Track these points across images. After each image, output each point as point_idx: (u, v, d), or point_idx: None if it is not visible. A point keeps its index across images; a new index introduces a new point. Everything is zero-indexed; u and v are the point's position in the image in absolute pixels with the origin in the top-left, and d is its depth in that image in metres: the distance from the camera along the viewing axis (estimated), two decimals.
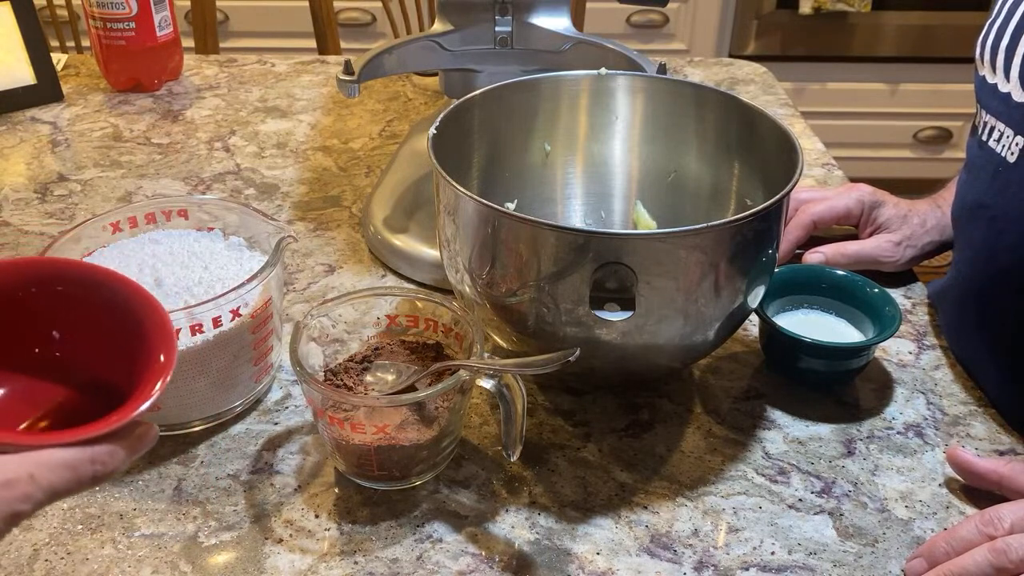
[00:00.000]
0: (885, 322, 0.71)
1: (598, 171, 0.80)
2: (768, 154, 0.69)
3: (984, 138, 0.70)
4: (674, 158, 0.77)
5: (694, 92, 0.76)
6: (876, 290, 0.73)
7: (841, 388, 0.72)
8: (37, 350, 0.43)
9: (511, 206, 0.74)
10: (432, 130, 0.66)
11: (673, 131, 0.77)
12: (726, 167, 0.74)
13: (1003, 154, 0.67)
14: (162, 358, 0.42)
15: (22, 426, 0.42)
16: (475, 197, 0.60)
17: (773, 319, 0.71)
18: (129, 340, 0.43)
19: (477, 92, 0.73)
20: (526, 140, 0.78)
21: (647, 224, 0.78)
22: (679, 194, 0.77)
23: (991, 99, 0.70)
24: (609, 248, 0.57)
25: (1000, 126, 0.68)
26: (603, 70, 0.76)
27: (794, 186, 0.61)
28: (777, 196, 0.60)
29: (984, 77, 0.71)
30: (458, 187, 0.61)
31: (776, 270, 0.69)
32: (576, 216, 0.80)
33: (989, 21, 0.72)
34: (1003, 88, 0.67)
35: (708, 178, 0.76)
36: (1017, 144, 0.66)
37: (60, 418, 0.42)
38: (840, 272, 0.76)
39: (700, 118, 0.75)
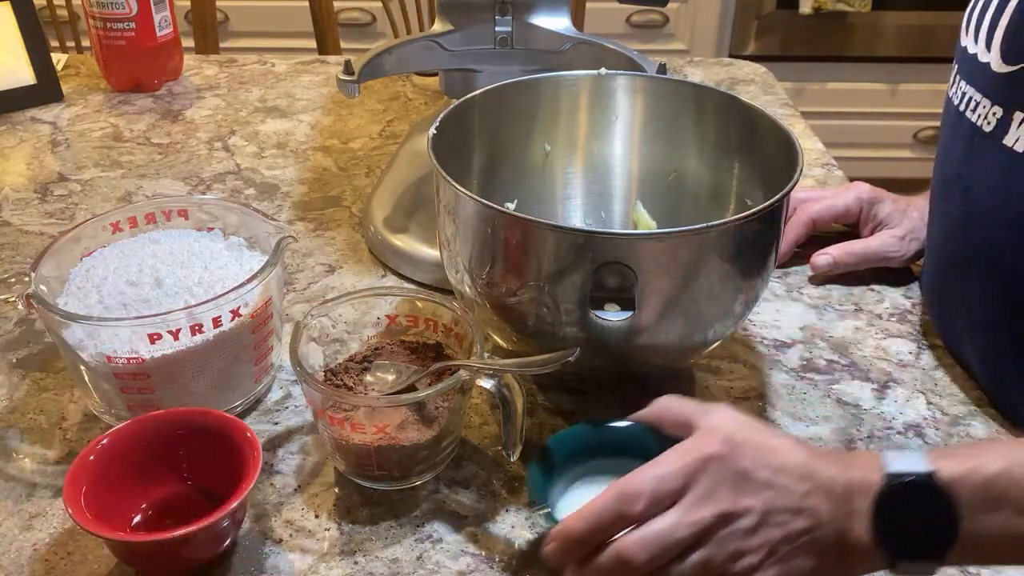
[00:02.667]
0: None
1: (598, 171, 0.80)
2: (768, 154, 0.69)
3: (961, 108, 0.70)
4: (674, 158, 0.77)
5: (694, 92, 0.76)
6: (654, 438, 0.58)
7: None
8: (172, 469, 0.60)
9: (511, 206, 0.74)
10: (432, 130, 0.66)
11: (673, 131, 0.76)
12: (726, 167, 0.74)
13: (979, 123, 0.68)
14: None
15: (135, 519, 0.59)
16: (475, 197, 0.60)
17: (556, 503, 0.58)
18: (230, 460, 0.58)
19: (477, 92, 0.73)
20: (526, 140, 0.78)
21: (647, 224, 0.78)
22: (679, 194, 0.77)
23: (971, 69, 0.70)
24: (609, 248, 0.57)
25: (977, 96, 0.68)
26: (603, 70, 0.76)
27: (794, 186, 0.61)
28: (777, 196, 0.60)
29: (966, 47, 0.70)
30: (458, 187, 0.61)
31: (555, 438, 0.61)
32: (576, 216, 0.80)
33: None
34: (983, 58, 0.67)
35: (708, 178, 0.76)
36: (994, 114, 0.66)
37: (181, 514, 0.57)
38: (620, 425, 0.61)
39: (700, 118, 0.75)
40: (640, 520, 0.49)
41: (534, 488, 0.58)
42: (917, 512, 0.48)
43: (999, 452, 0.50)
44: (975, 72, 0.69)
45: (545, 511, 0.57)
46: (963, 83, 0.70)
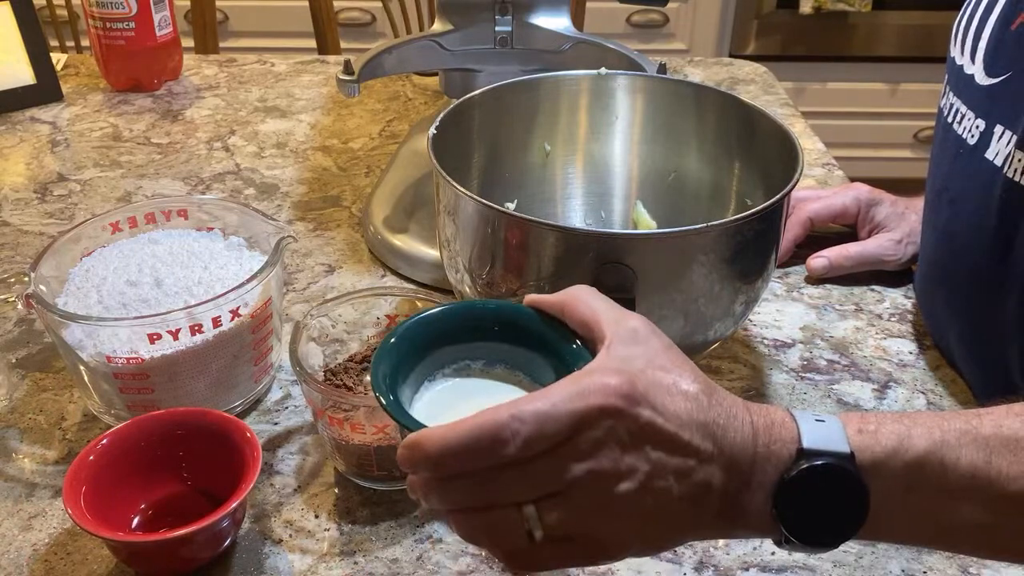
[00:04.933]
0: (570, 360, 0.48)
1: (598, 171, 0.80)
2: (768, 154, 0.69)
3: (949, 120, 0.70)
4: (674, 158, 0.77)
5: (694, 92, 0.76)
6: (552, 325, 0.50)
7: None
8: (172, 470, 0.61)
9: (511, 206, 0.74)
10: (432, 130, 0.66)
11: (673, 131, 0.76)
12: (726, 167, 0.74)
13: (964, 136, 0.67)
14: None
15: (135, 519, 0.59)
16: (475, 197, 0.60)
17: (409, 393, 0.49)
18: (230, 460, 0.58)
19: (477, 92, 0.73)
20: (526, 140, 0.78)
21: (647, 224, 0.78)
22: (679, 194, 0.77)
23: (958, 81, 0.69)
24: (609, 248, 0.57)
25: (963, 108, 0.68)
26: (603, 70, 0.76)
27: (794, 186, 0.61)
28: (777, 196, 0.60)
29: (954, 59, 0.70)
30: (458, 187, 0.61)
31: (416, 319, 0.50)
32: (576, 216, 0.80)
33: (965, 2, 0.72)
34: (968, 70, 0.67)
35: (708, 178, 0.76)
36: (978, 127, 0.66)
37: (181, 514, 0.57)
38: (497, 304, 0.52)
39: (700, 118, 0.75)
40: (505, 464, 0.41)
41: (377, 374, 0.47)
42: (827, 498, 0.44)
43: (926, 427, 0.45)
44: (962, 84, 0.69)
45: (389, 403, 0.45)
46: (952, 95, 0.70)
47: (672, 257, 0.58)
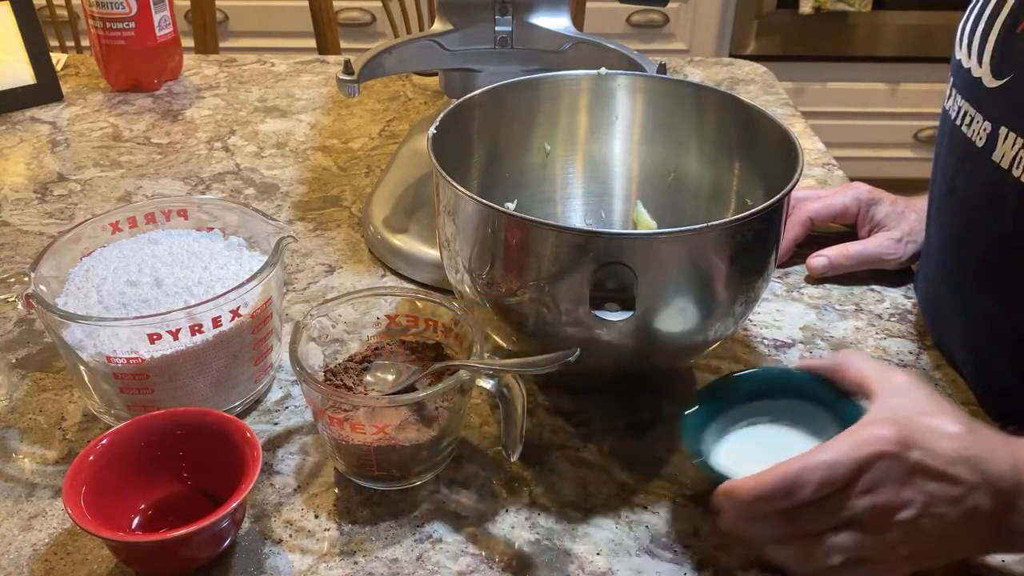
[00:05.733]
0: (846, 414, 0.58)
1: (598, 171, 0.80)
2: (768, 154, 0.69)
3: (957, 123, 0.70)
4: (674, 158, 0.77)
5: (694, 92, 0.76)
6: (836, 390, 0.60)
7: None
8: (172, 470, 0.61)
9: (511, 206, 0.74)
10: (432, 130, 0.66)
11: (673, 131, 0.76)
12: (726, 167, 0.74)
13: (972, 138, 0.67)
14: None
15: (135, 519, 0.59)
16: (475, 197, 0.60)
17: (710, 446, 0.60)
18: (230, 460, 0.58)
19: (477, 92, 0.73)
20: (526, 140, 0.78)
21: (647, 224, 0.78)
22: (679, 194, 0.77)
23: (964, 83, 0.69)
24: (609, 248, 0.57)
25: (971, 111, 0.68)
26: (603, 70, 0.76)
27: (794, 186, 0.61)
28: (777, 196, 0.60)
29: (960, 61, 0.70)
30: (458, 187, 0.61)
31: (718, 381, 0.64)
32: (576, 216, 0.80)
33: (970, 5, 0.72)
34: (975, 73, 0.67)
35: (708, 178, 0.76)
36: (985, 129, 0.65)
37: (180, 514, 0.57)
38: (786, 370, 0.64)
39: (700, 118, 0.75)
40: (803, 503, 0.51)
41: (687, 435, 0.60)
42: None
43: None
44: (968, 86, 0.69)
45: (699, 461, 0.58)
46: (958, 96, 0.70)
47: (672, 257, 0.58)
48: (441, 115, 0.68)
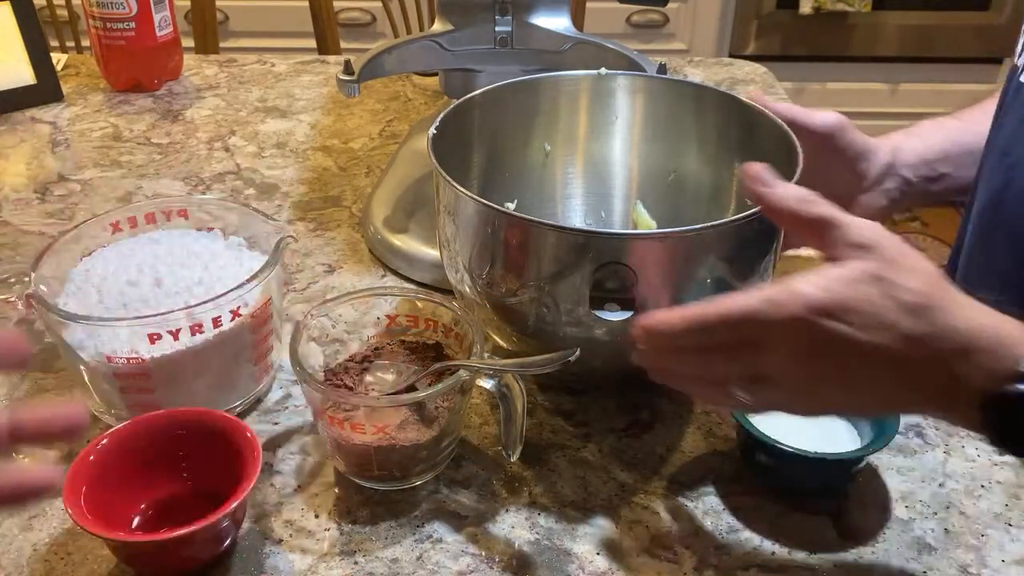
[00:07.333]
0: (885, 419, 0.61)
1: (598, 171, 0.80)
2: (768, 154, 0.68)
3: (1022, 79, 0.68)
4: (674, 158, 0.77)
5: (694, 92, 0.76)
6: None
7: (828, 503, 0.62)
8: (172, 470, 0.60)
9: (511, 206, 0.74)
10: (432, 130, 0.66)
11: (673, 131, 0.76)
12: (726, 167, 0.74)
13: None
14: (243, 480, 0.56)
15: (135, 519, 0.59)
16: (475, 197, 0.60)
17: (751, 421, 0.61)
18: (230, 460, 0.58)
19: (477, 92, 0.73)
20: (526, 140, 0.78)
21: (647, 224, 0.78)
22: (679, 194, 0.77)
23: None
24: (609, 248, 0.57)
25: None
26: (603, 70, 0.76)
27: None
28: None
29: None
30: (458, 187, 0.61)
31: None
32: (576, 216, 0.80)
33: None
34: None
35: (708, 178, 0.76)
36: None
37: (181, 514, 0.56)
38: None
39: (700, 118, 0.75)
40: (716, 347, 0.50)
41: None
42: None
43: None
44: None
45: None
46: None
47: (672, 257, 0.58)
48: (441, 115, 0.68)
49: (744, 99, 0.72)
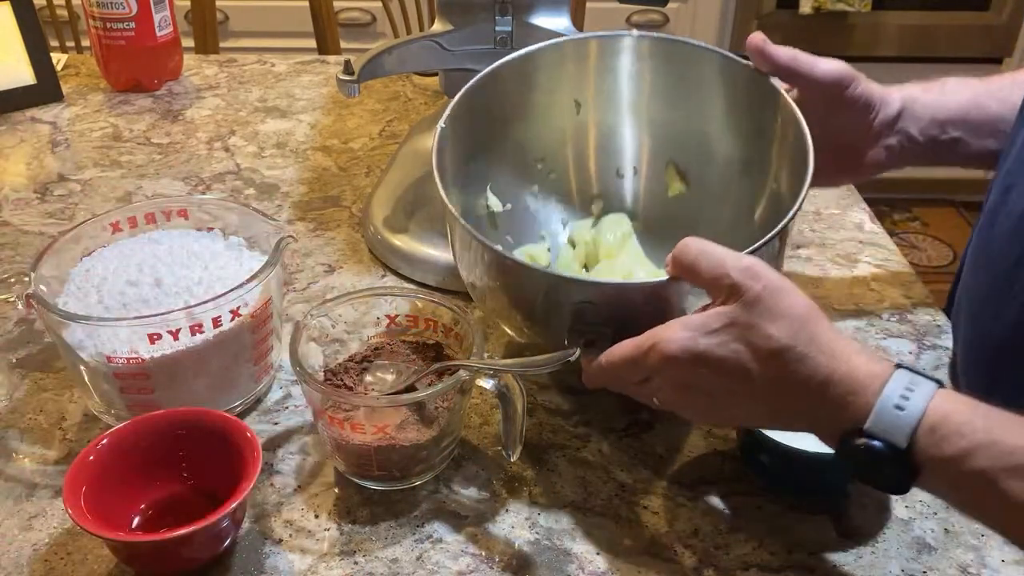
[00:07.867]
0: None
1: (619, 133, 0.78)
2: (785, 145, 0.68)
3: None
4: (698, 123, 0.75)
5: (720, 60, 0.72)
6: None
7: (828, 503, 0.62)
8: (172, 470, 0.61)
9: (541, 167, 0.75)
10: (441, 123, 0.66)
11: (696, 97, 0.74)
12: (754, 141, 0.72)
13: None
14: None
15: (135, 519, 0.59)
16: (461, 221, 0.61)
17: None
18: (230, 460, 0.58)
19: (487, 70, 0.72)
20: (550, 102, 0.77)
21: (678, 189, 0.76)
22: (708, 159, 0.75)
23: None
24: (576, 292, 0.59)
25: None
26: (635, 32, 0.74)
27: (797, 211, 0.60)
28: (770, 235, 0.58)
29: None
30: (450, 206, 0.62)
31: None
32: (609, 176, 0.79)
33: None
34: None
35: (738, 148, 0.74)
36: None
37: (180, 514, 0.56)
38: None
39: (727, 88, 0.73)
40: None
41: None
42: (876, 469, 0.50)
43: (997, 449, 0.47)
44: None
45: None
46: None
47: (645, 307, 0.59)
48: (452, 103, 0.68)
49: (775, 83, 0.69)
